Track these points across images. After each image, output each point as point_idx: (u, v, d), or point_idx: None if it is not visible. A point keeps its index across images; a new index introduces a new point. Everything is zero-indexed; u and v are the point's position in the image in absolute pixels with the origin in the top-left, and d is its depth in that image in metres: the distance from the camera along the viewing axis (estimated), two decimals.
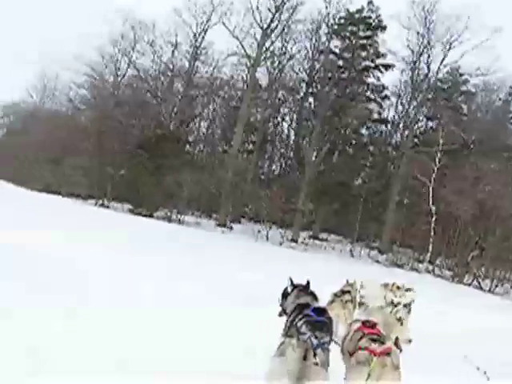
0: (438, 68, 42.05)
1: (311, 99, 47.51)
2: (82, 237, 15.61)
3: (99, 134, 43.64)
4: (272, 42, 45.18)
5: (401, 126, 47.54)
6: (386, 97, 45.40)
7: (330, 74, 43.03)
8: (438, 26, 41.05)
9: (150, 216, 38.20)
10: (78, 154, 43.83)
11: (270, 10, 43.64)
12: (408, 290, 10.61)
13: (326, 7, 43.51)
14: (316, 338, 4.29)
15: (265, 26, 43.77)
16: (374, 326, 4.99)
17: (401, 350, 4.88)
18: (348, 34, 43.43)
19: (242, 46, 44.68)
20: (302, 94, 48.19)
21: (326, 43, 44.36)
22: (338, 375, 4.71)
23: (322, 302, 5.66)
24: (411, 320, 9.82)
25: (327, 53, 43.72)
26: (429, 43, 41.72)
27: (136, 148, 41.58)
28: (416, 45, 42.34)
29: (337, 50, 44.14)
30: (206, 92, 48.52)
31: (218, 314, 8.47)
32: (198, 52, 47.66)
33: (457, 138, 37.92)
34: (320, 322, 4.63)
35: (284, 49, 46.76)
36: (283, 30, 44.96)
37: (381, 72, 43.62)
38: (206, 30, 46.90)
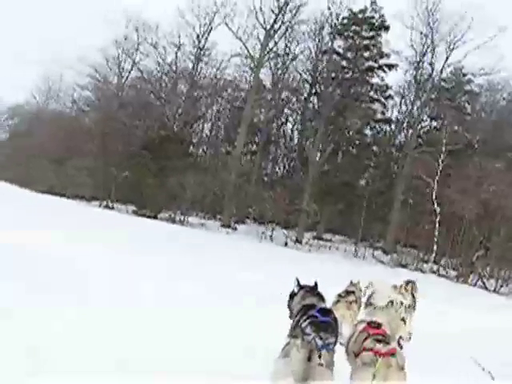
0: (442, 68, 41.99)
1: (315, 100, 47.53)
2: (82, 237, 15.61)
3: (103, 135, 43.73)
4: (275, 43, 45.20)
5: (404, 125, 47.53)
6: (390, 97, 45.38)
7: (333, 75, 43.01)
8: (442, 25, 41.03)
9: (154, 217, 38.24)
10: (82, 156, 43.97)
11: (273, 10, 43.72)
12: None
13: (329, 7, 43.62)
14: (321, 338, 4.28)
15: (268, 26, 43.83)
16: (379, 326, 4.98)
17: (401, 348, 4.85)
18: (351, 34, 43.40)
19: (246, 47, 44.83)
20: (305, 95, 48.19)
21: (330, 43, 44.34)
22: (343, 376, 4.70)
23: (328, 303, 5.65)
24: (414, 319, 9.88)
25: (330, 53, 43.69)
26: (432, 43, 41.65)
27: (140, 149, 41.65)
28: (419, 44, 42.38)
29: (340, 51, 44.09)
30: (209, 93, 48.51)
31: (217, 314, 8.44)
32: (202, 53, 47.75)
33: (461, 137, 37.89)
34: (325, 322, 4.60)
35: (287, 49, 46.86)
36: (286, 30, 45.07)
37: (384, 72, 43.63)
38: (210, 31, 47.01)
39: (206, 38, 47.38)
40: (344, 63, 43.82)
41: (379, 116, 44.53)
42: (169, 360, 5.66)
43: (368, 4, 43.60)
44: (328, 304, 5.56)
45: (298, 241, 39.01)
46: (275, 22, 43.85)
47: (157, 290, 9.89)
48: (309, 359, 4.11)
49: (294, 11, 44.03)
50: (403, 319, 9.05)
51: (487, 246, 33.53)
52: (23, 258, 10.04)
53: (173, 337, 6.55)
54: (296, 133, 51.62)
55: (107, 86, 52.24)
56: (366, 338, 4.78)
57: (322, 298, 5.24)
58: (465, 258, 34.55)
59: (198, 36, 47.34)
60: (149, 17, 48.22)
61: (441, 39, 41.27)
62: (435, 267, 35.10)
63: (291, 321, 5.09)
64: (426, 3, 41.07)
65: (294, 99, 49.29)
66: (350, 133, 43.22)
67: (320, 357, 4.13)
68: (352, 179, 41.63)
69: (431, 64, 42.16)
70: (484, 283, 32.29)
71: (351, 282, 9.48)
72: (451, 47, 40.70)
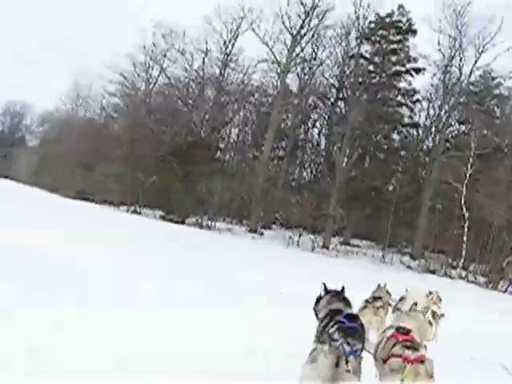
0: (471, 71, 41.46)
1: (342, 104, 47.42)
2: (83, 237, 15.73)
3: (131, 141, 44.17)
4: (302, 48, 45.23)
5: (432, 130, 47.05)
6: (418, 101, 45.09)
7: (360, 79, 42.90)
8: (470, 28, 40.61)
9: (182, 222, 38.50)
10: (111, 162, 44.47)
11: (299, 16, 43.79)
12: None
13: (356, 12, 43.44)
14: (348, 344, 4.21)
15: (294, 32, 43.89)
16: (408, 332, 4.92)
17: (425, 348, 4.81)
18: (378, 38, 43.27)
19: (272, 53, 44.92)
20: (332, 100, 48.12)
21: (356, 48, 44.25)
22: (370, 382, 4.66)
23: (355, 309, 5.62)
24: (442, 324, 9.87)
25: (357, 58, 43.58)
26: (460, 46, 41.24)
27: (167, 155, 41.98)
28: (447, 48, 41.95)
29: (367, 55, 44.00)
30: (236, 99, 48.70)
31: (218, 314, 8.30)
32: (229, 59, 47.98)
33: (489, 141, 37.43)
34: (352, 328, 4.54)
35: (314, 54, 46.81)
36: (313, 35, 45.02)
37: (412, 76, 43.37)
38: (236, 37, 47.23)
39: (233, 44, 47.66)
40: (371, 68, 43.73)
41: (406, 120, 44.31)
42: (169, 360, 5.60)
43: (395, 8, 43.48)
44: (355, 310, 5.51)
45: (324, 246, 38.88)
46: (302, 27, 43.93)
47: (157, 289, 9.83)
48: (336, 365, 4.03)
49: (320, 16, 44.04)
50: (430, 322, 9.08)
51: None
52: (23, 257, 10.06)
53: (173, 337, 6.46)
54: (323, 138, 51.55)
55: (135, 92, 52.74)
56: (394, 345, 4.73)
57: (348, 303, 5.19)
58: (494, 264, 34.14)
59: (224, 42, 47.66)
60: (176, 24, 48.30)
61: (469, 42, 40.90)
62: (464, 273, 34.71)
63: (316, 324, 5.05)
64: (454, 6, 40.72)
65: (321, 104, 49.31)
66: (378, 138, 43.03)
67: (347, 363, 4.06)
68: (379, 184, 41.38)
69: (459, 67, 41.77)
70: None
71: (378, 286, 9.46)
72: (480, 50, 40.23)
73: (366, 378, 4.36)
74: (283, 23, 43.91)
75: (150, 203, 43.03)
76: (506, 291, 31.53)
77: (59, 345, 5.48)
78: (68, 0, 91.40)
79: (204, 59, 48.66)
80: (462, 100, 42.76)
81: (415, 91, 43.89)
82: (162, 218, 39.82)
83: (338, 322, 4.60)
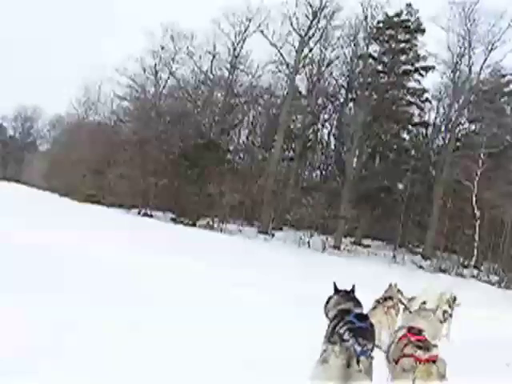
0: (480, 69, 41.11)
1: (351, 105, 47.42)
2: (107, 236, 16.08)
3: (141, 144, 44.29)
4: (310, 49, 45.25)
5: (442, 129, 46.89)
6: (427, 100, 44.85)
7: (369, 79, 42.79)
8: (479, 25, 40.39)
9: (193, 225, 38.59)
10: (121, 165, 44.55)
11: (307, 16, 43.83)
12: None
13: (364, 11, 43.48)
14: (359, 344, 4.22)
15: (303, 32, 43.95)
16: (419, 332, 4.93)
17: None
18: (387, 38, 43.11)
19: (281, 54, 45.04)
20: (341, 100, 48.17)
21: (365, 48, 44.27)
22: (381, 382, 4.67)
23: (366, 309, 5.62)
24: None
25: (366, 58, 43.53)
26: (470, 44, 40.99)
27: (177, 157, 42.12)
28: (457, 46, 41.69)
29: (376, 55, 43.88)
30: (245, 100, 48.81)
31: (216, 326, 7.91)
32: (237, 61, 48.02)
33: (500, 139, 37.24)
34: (362, 328, 4.56)
35: (322, 55, 46.67)
36: (321, 36, 44.99)
37: (421, 75, 43.16)
38: (245, 38, 47.32)
39: (242, 46, 47.71)
40: (380, 67, 43.62)
41: (416, 120, 44.12)
42: (168, 373, 5.43)
43: (403, 7, 43.25)
44: (365, 309, 5.52)
45: (335, 246, 38.84)
46: (310, 28, 43.97)
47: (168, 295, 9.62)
48: (348, 365, 4.05)
49: (328, 17, 44.11)
50: (441, 321, 9.08)
51: None
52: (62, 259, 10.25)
53: (171, 349, 6.20)
54: (332, 138, 51.53)
55: (145, 95, 52.92)
56: (406, 345, 4.75)
57: (358, 303, 5.19)
58: (507, 263, 33.95)
59: (233, 44, 47.75)
60: (184, 27, 48.51)
61: (478, 40, 40.63)
62: (476, 272, 34.57)
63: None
64: (463, 4, 40.46)
65: (330, 105, 49.30)
66: (387, 137, 42.90)
67: (358, 363, 4.07)
68: (390, 184, 41.30)
69: (469, 66, 41.47)
70: None
71: (390, 286, 9.47)
72: (489, 48, 39.93)
73: (376, 377, 4.34)
74: (291, 24, 44.07)
75: (160, 206, 43.18)
76: None
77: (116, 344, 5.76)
78: (76, 4, 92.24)
79: (212, 61, 48.79)
80: (471, 98, 42.44)
81: (425, 90, 43.71)
82: (173, 220, 39.93)
83: (348, 322, 4.62)
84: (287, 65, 45.25)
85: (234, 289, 10.87)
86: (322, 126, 51.26)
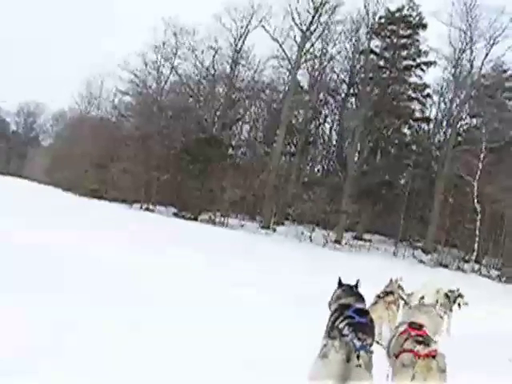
0: (482, 64, 41.05)
1: (352, 100, 47.47)
2: (107, 235, 15.90)
3: (143, 139, 44.39)
4: (312, 44, 45.21)
5: (444, 124, 46.93)
6: (428, 95, 44.84)
7: (371, 74, 42.78)
8: (481, 20, 40.33)
9: (195, 219, 38.73)
10: (123, 160, 44.67)
11: (309, 11, 43.83)
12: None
13: (365, 6, 43.37)
14: (359, 339, 4.23)
15: (304, 27, 43.96)
16: (420, 327, 4.94)
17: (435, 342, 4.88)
18: (388, 33, 43.12)
19: (282, 49, 45.13)
20: (343, 95, 48.19)
21: (366, 43, 44.12)
22: (381, 377, 4.69)
23: (368, 304, 5.67)
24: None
25: (368, 53, 43.46)
26: (471, 39, 40.92)
27: (179, 152, 42.21)
28: (458, 41, 41.66)
29: (377, 50, 43.91)
30: (247, 95, 48.83)
31: (217, 326, 7.82)
32: (239, 56, 48.08)
33: (501, 134, 37.28)
34: (362, 323, 4.59)
35: (324, 50, 46.64)
36: (323, 31, 45.05)
37: (422, 70, 43.17)
38: (246, 33, 47.36)
39: (243, 41, 47.80)
40: (381, 63, 43.67)
41: (418, 115, 44.12)
42: (168, 373, 5.42)
43: (405, 2, 43.24)
44: (367, 304, 5.52)
45: (337, 241, 38.97)
46: (311, 23, 43.95)
47: (168, 292, 9.63)
48: (347, 360, 4.00)
49: (330, 12, 44.10)
50: (441, 316, 9.20)
51: None
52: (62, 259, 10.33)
53: (170, 349, 6.15)
54: (334, 133, 51.61)
55: (147, 90, 52.99)
56: (406, 340, 4.75)
57: (359, 298, 5.19)
58: (507, 258, 34.04)
59: (234, 39, 47.84)
60: (186, 22, 48.55)
61: (480, 35, 40.52)
62: (476, 267, 34.67)
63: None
64: None
65: (332, 100, 49.29)
66: (389, 132, 42.95)
67: (358, 358, 4.04)
68: (391, 179, 41.45)
69: (470, 61, 41.41)
70: None
71: (391, 281, 9.54)
72: (491, 43, 39.93)
73: (376, 373, 4.33)
74: (293, 19, 44.10)
75: (162, 200, 43.31)
76: None
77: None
78: (78, 1, 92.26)
79: (214, 57, 48.85)
80: (473, 93, 42.38)
81: (426, 85, 43.69)
82: (175, 214, 40.07)
83: (348, 316, 4.65)
84: (289, 60, 45.30)
85: (234, 288, 10.86)
86: (324, 121, 51.38)
